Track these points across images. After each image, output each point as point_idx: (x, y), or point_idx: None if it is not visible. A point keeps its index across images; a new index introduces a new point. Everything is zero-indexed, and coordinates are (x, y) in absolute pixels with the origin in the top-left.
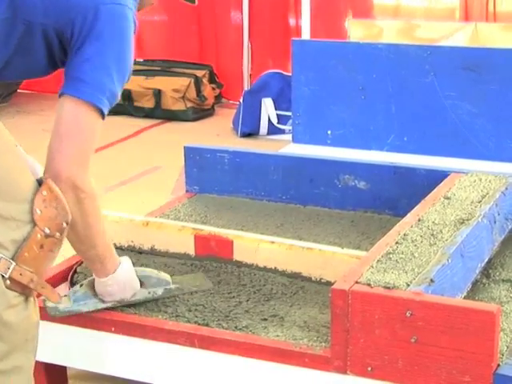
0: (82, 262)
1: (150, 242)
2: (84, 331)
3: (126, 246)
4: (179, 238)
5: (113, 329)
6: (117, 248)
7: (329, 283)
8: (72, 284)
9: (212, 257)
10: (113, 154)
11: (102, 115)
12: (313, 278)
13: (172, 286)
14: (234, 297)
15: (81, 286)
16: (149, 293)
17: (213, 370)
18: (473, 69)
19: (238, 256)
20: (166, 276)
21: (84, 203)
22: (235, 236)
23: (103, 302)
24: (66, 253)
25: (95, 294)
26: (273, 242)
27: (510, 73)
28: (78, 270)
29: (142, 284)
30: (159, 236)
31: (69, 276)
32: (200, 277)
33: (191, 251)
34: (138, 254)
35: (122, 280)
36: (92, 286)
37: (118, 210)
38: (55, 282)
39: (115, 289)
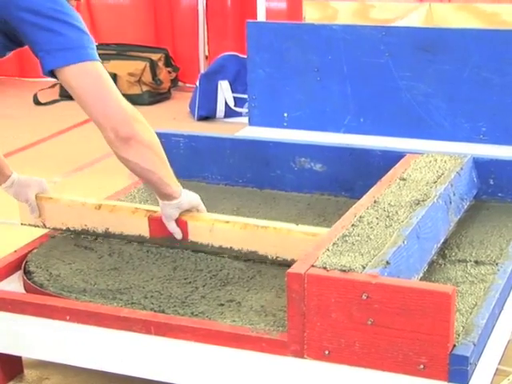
0: (32, 250)
1: (104, 226)
2: (39, 320)
3: (79, 229)
4: (133, 221)
5: (68, 317)
6: (69, 231)
7: (285, 261)
8: (25, 273)
9: (167, 238)
10: (69, 139)
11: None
12: (269, 257)
13: None
14: (190, 282)
15: None
16: None
17: (169, 357)
18: (427, 49)
19: (192, 236)
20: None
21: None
22: (189, 216)
23: None
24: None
25: None
26: (227, 222)
27: (464, 53)
28: (29, 258)
29: None
30: (113, 219)
31: (22, 265)
32: None
33: (146, 233)
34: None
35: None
36: None
37: (75, 195)
38: (8, 271)
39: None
